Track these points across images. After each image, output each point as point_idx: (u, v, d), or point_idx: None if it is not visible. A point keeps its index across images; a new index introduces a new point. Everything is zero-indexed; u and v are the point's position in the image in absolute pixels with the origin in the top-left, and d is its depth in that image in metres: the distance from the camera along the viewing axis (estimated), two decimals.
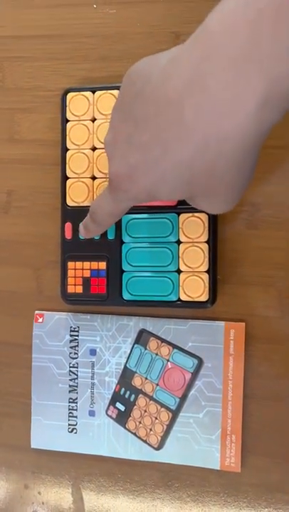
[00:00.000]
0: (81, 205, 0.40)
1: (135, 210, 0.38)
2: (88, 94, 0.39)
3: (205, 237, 0.37)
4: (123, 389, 0.40)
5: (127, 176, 0.27)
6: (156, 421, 0.40)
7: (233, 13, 0.21)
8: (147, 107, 0.25)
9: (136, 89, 0.26)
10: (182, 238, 0.38)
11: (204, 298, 0.37)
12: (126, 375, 0.40)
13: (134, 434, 0.40)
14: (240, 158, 0.24)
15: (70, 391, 0.42)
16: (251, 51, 0.21)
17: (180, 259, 0.38)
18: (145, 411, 0.40)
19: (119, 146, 0.27)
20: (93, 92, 0.39)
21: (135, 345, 0.40)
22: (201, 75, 0.22)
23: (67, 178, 0.40)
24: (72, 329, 0.42)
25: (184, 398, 0.39)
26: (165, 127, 0.24)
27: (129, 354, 0.40)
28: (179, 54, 0.24)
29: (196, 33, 0.23)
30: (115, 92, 0.38)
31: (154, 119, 0.24)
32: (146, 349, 0.40)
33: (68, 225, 0.40)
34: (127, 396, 0.40)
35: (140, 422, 0.40)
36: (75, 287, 0.40)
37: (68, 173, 0.40)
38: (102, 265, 0.39)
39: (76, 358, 0.41)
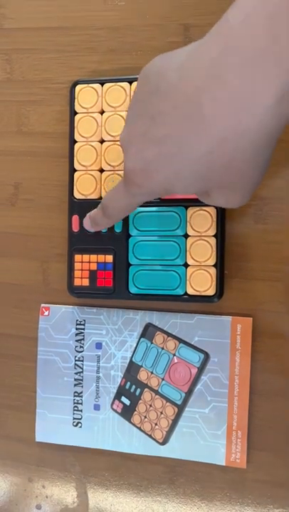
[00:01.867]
0: (88, 197, 0.39)
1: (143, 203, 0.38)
2: (97, 86, 0.39)
3: (213, 231, 0.37)
4: (128, 383, 0.40)
5: (142, 170, 0.27)
6: (162, 415, 0.39)
7: (252, 8, 0.21)
8: (164, 102, 0.25)
9: (152, 85, 0.26)
10: (190, 232, 0.37)
11: (211, 292, 0.37)
12: (131, 369, 0.40)
13: (139, 428, 0.40)
14: (258, 152, 0.24)
15: (75, 385, 0.42)
16: (270, 45, 0.21)
17: (187, 253, 0.37)
18: (150, 405, 0.40)
19: (134, 141, 0.27)
20: (102, 85, 0.39)
21: (141, 339, 0.40)
22: (220, 69, 0.22)
23: (75, 170, 0.40)
24: (78, 322, 0.41)
25: (189, 393, 0.39)
26: (182, 122, 0.24)
27: (135, 348, 0.40)
28: (197, 49, 0.24)
29: (214, 28, 0.23)
30: (124, 84, 0.38)
31: (172, 114, 0.24)
32: (152, 343, 0.40)
33: (75, 218, 0.40)
34: (132, 390, 0.40)
35: (145, 417, 0.40)
36: (81, 280, 0.40)
37: (76, 166, 0.40)
38: (109, 258, 0.39)
39: (82, 351, 0.41)
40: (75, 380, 0.42)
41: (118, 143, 0.39)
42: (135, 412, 0.40)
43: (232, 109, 0.22)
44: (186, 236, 0.38)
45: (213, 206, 0.37)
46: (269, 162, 0.26)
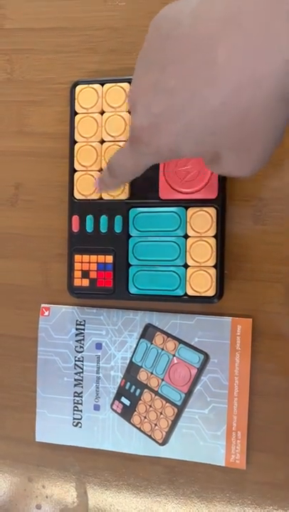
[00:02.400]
0: (88, 198, 0.39)
1: (143, 203, 0.38)
2: (97, 86, 0.39)
3: (213, 232, 0.37)
4: (128, 383, 0.40)
5: (150, 126, 0.25)
6: (161, 416, 0.39)
7: None
8: (176, 50, 0.23)
9: (163, 33, 0.24)
10: (190, 232, 0.37)
11: (211, 293, 0.37)
12: (131, 370, 0.40)
13: (139, 429, 0.40)
14: (274, 106, 0.22)
15: (75, 385, 0.42)
16: None
17: (187, 254, 0.37)
18: (150, 406, 0.40)
19: (143, 96, 0.25)
20: (102, 85, 0.39)
21: (141, 340, 0.40)
22: (236, 14, 0.21)
23: (75, 170, 0.40)
24: (78, 323, 0.41)
25: (189, 394, 0.39)
26: (195, 70, 0.22)
27: (135, 348, 0.40)
28: None
29: None
30: (124, 84, 0.38)
31: (183, 62, 0.23)
32: (152, 344, 0.40)
33: (75, 218, 0.40)
34: (132, 391, 0.40)
35: (145, 417, 0.40)
36: (81, 280, 0.40)
37: (76, 166, 0.40)
38: (109, 259, 0.39)
39: (82, 351, 0.41)
40: (75, 380, 0.42)
41: (119, 143, 0.39)
42: (135, 413, 0.40)
43: (247, 56, 0.21)
44: (186, 237, 0.38)
45: (213, 207, 0.37)
46: (284, 129, 0.24)
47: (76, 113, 0.39)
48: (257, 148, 0.25)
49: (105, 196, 0.39)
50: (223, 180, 0.37)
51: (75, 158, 0.40)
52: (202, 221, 0.37)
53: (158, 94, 0.24)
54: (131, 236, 0.39)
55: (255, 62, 0.21)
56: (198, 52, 0.22)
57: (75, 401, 0.42)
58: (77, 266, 0.40)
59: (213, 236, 0.37)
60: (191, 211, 0.37)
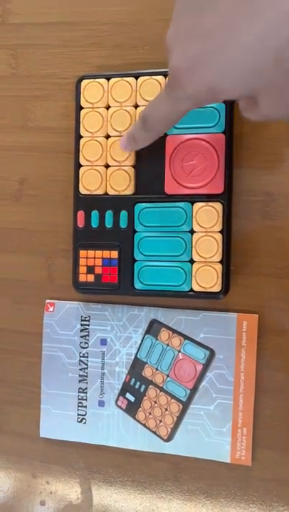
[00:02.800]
0: (94, 193, 0.39)
1: (148, 198, 0.38)
2: (103, 81, 0.39)
3: (219, 227, 0.37)
4: (133, 379, 0.40)
5: (188, 67, 0.25)
6: (167, 412, 0.39)
7: None
8: None
9: None
10: (196, 228, 0.37)
11: (217, 289, 0.37)
12: (136, 366, 0.40)
13: (144, 425, 0.40)
14: None
15: (80, 381, 0.41)
16: None
17: (193, 249, 0.37)
18: (155, 402, 0.40)
19: (181, 38, 0.26)
20: (108, 80, 0.39)
21: (146, 336, 0.40)
22: None
23: (81, 165, 0.39)
24: (83, 318, 0.41)
25: (194, 390, 0.39)
26: (234, 7, 0.23)
27: (140, 344, 0.40)
28: None
29: None
30: (130, 79, 0.38)
31: (222, 1, 0.23)
32: (157, 340, 0.39)
33: (81, 213, 0.40)
34: (137, 387, 0.40)
35: (150, 413, 0.40)
36: (86, 276, 0.40)
37: (81, 161, 0.39)
38: (114, 254, 0.39)
39: (86, 347, 0.41)
40: (80, 376, 0.41)
41: None
42: (140, 409, 0.40)
43: None
44: (192, 232, 0.37)
45: (219, 202, 0.36)
46: None
47: (81, 108, 0.39)
48: None
49: (110, 192, 0.39)
50: (229, 175, 0.37)
51: (80, 153, 0.39)
52: (208, 216, 0.37)
53: (197, 37, 0.25)
54: (136, 231, 0.39)
55: None
56: None
57: (80, 397, 0.41)
58: (82, 261, 0.40)
59: (219, 231, 0.37)
60: (197, 206, 0.37)
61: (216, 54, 0.24)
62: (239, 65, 0.24)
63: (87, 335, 0.41)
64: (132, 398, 0.40)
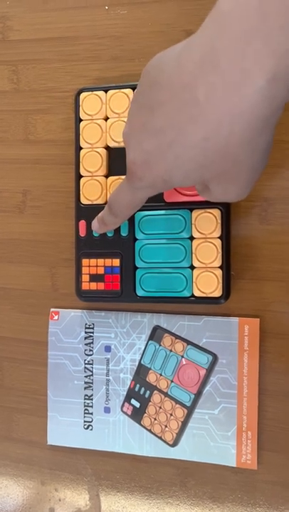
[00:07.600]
0: (94, 203, 0.40)
1: (148, 206, 0.39)
2: (101, 93, 0.40)
3: (218, 233, 0.37)
4: (138, 385, 0.41)
5: (142, 162, 0.27)
6: (172, 417, 0.40)
7: None
8: (162, 93, 0.25)
9: (151, 78, 0.26)
10: (195, 234, 0.38)
11: (218, 294, 0.37)
12: (141, 372, 0.40)
13: (150, 430, 0.40)
14: (253, 136, 0.24)
15: (85, 388, 0.42)
16: (259, 25, 0.21)
17: (193, 255, 0.38)
18: (160, 407, 0.40)
19: (135, 134, 0.28)
20: (106, 92, 0.40)
21: (149, 342, 0.40)
22: (212, 53, 0.22)
23: (81, 176, 0.40)
24: (87, 326, 0.42)
25: (198, 394, 0.39)
26: (179, 110, 0.24)
27: (144, 350, 0.40)
28: (192, 39, 0.24)
29: (207, 17, 0.23)
30: (127, 91, 0.39)
31: (169, 104, 0.25)
32: (160, 345, 0.40)
33: (82, 223, 0.40)
34: (141, 392, 0.40)
35: (155, 419, 0.40)
36: (89, 284, 0.40)
37: (82, 172, 0.40)
38: (116, 262, 0.40)
39: (91, 354, 0.42)
40: (85, 383, 0.42)
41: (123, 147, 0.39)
42: (145, 415, 0.40)
43: (225, 92, 0.22)
44: (192, 238, 0.38)
45: (218, 208, 0.37)
46: (268, 153, 0.26)
47: (81, 120, 0.40)
48: (241, 178, 0.27)
49: None
50: None
51: (80, 164, 0.40)
52: (207, 223, 0.37)
53: (148, 133, 0.26)
54: (137, 239, 0.39)
55: (232, 99, 0.22)
56: (182, 93, 0.24)
57: (86, 404, 0.42)
58: (84, 270, 0.41)
59: (219, 237, 0.37)
60: (195, 213, 0.38)
61: (166, 150, 0.26)
62: (188, 160, 0.26)
63: (92, 342, 0.42)
64: (137, 404, 0.41)
